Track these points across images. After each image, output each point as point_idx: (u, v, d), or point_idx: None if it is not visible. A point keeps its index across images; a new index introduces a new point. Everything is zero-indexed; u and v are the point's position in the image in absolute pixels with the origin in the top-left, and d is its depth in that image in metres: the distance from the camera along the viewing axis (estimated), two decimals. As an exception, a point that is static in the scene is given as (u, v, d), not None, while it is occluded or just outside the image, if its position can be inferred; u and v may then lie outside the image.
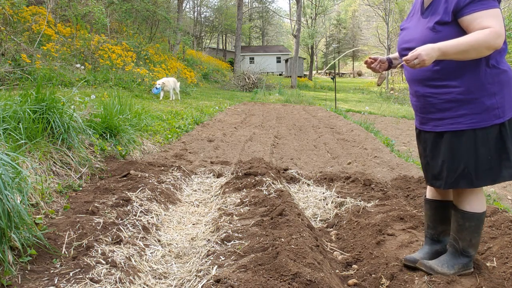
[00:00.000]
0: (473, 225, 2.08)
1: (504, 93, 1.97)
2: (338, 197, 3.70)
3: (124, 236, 2.45)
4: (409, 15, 2.27)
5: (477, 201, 2.08)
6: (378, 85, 2.90)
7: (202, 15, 46.19)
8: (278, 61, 45.82)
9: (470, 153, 1.98)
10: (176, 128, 7.16)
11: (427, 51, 1.84)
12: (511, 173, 1.98)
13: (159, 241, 2.67)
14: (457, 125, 2.00)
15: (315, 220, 3.31)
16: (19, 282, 1.88)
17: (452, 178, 2.04)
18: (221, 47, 51.57)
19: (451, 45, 1.85)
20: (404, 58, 1.92)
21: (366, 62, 2.31)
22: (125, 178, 3.73)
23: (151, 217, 2.93)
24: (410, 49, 2.00)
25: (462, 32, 1.93)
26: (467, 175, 2.00)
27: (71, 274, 1.96)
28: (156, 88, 11.44)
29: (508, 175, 1.98)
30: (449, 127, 2.02)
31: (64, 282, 1.90)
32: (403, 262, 2.30)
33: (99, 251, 2.19)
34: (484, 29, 1.83)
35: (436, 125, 2.08)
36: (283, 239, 2.26)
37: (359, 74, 2.94)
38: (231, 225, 2.72)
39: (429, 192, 2.36)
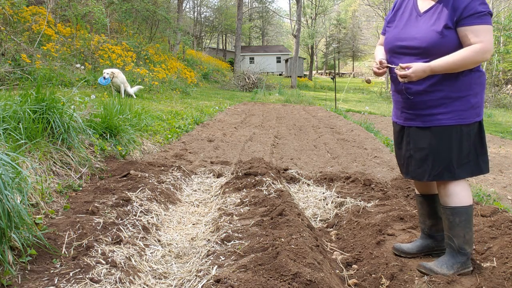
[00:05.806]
0: (463, 220, 2.16)
1: (482, 94, 2.19)
2: (338, 197, 3.70)
3: (124, 236, 2.45)
4: (396, 11, 2.32)
5: (463, 193, 2.17)
6: (369, 82, 2.99)
7: (202, 15, 46.21)
8: (278, 61, 45.82)
9: (456, 146, 2.14)
10: (176, 128, 7.16)
11: (417, 73, 2.05)
12: (487, 166, 2.22)
13: (159, 241, 2.67)
14: (447, 121, 2.14)
15: (315, 220, 3.31)
16: (19, 282, 1.88)
17: (437, 170, 2.17)
18: (221, 47, 51.56)
19: (441, 65, 2.04)
20: (398, 75, 2.10)
21: (376, 74, 2.31)
22: (125, 178, 3.73)
23: (151, 217, 2.92)
24: (409, 47, 2.15)
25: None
26: (451, 168, 2.15)
27: (71, 274, 1.96)
28: (104, 78, 9.08)
29: (485, 168, 2.21)
30: (440, 122, 2.15)
31: (64, 282, 1.90)
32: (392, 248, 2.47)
33: (99, 251, 2.19)
34: (474, 45, 2.01)
35: (425, 121, 2.19)
36: (283, 239, 2.26)
37: (368, 82, 2.89)
38: (231, 225, 2.72)
39: (416, 188, 2.50)
